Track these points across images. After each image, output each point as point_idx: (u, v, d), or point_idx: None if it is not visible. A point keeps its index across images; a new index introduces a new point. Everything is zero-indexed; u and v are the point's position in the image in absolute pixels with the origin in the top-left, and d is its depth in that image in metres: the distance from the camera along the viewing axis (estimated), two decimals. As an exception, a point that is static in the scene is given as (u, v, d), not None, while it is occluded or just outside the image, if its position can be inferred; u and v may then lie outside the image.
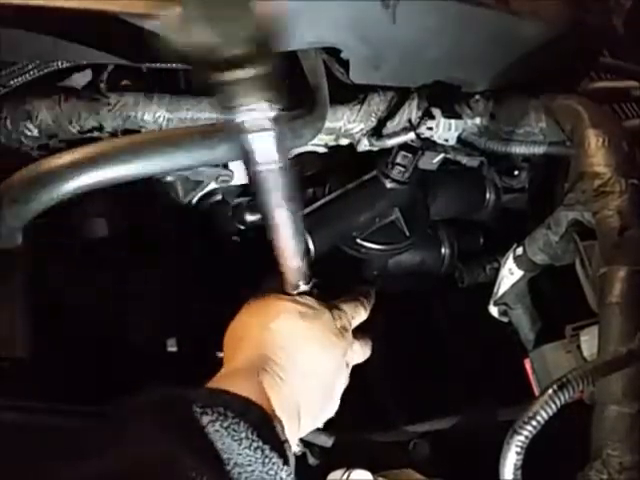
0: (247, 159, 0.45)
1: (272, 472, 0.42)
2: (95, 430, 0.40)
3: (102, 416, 0.42)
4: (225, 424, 0.42)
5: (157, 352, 0.82)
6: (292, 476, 0.44)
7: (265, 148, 0.44)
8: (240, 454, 0.41)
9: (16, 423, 0.39)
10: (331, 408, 0.61)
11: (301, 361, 0.56)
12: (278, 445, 0.45)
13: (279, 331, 0.56)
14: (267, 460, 0.42)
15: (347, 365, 0.62)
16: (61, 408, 0.43)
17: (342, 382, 0.61)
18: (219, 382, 0.50)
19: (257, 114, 0.42)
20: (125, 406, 0.42)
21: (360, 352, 0.65)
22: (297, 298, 0.59)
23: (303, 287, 0.59)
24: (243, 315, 0.59)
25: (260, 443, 0.42)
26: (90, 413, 0.43)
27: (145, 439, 0.39)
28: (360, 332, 0.65)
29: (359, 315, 0.65)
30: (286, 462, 0.44)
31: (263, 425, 0.45)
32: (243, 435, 0.42)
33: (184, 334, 0.83)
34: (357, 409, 0.64)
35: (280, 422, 0.49)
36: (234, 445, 0.41)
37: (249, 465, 0.42)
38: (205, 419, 0.42)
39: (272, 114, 0.42)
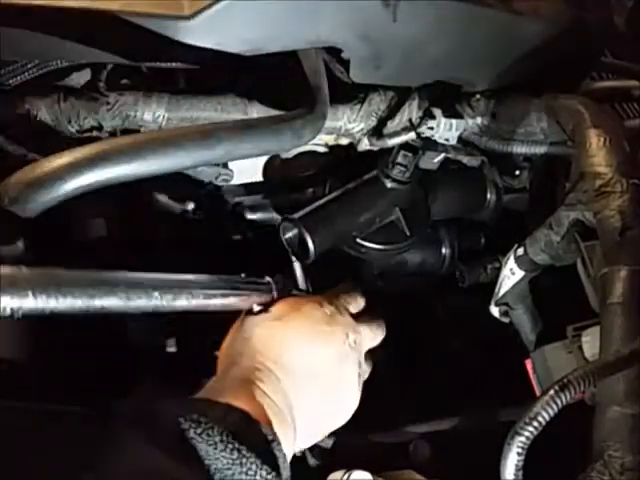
0: None
1: (251, 472, 0.42)
2: (85, 445, 0.39)
3: (95, 421, 0.42)
4: (199, 430, 0.42)
5: (157, 352, 0.81)
6: (274, 474, 0.44)
7: None
8: (218, 458, 0.42)
9: (14, 425, 0.39)
10: (343, 403, 0.60)
11: (288, 360, 0.55)
12: (260, 444, 0.45)
13: (258, 338, 0.56)
14: (244, 460, 0.42)
15: (351, 348, 0.59)
16: (59, 410, 0.43)
17: (351, 371, 0.59)
18: (205, 393, 0.51)
19: None
20: (111, 419, 0.42)
21: (371, 335, 0.63)
22: (269, 308, 0.59)
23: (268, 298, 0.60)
24: (228, 338, 0.60)
25: (236, 444, 0.42)
26: (87, 416, 0.43)
27: (135, 454, 0.39)
28: (368, 314, 0.64)
29: (354, 299, 0.64)
30: (266, 462, 0.44)
31: (242, 427, 0.45)
32: (217, 439, 0.42)
33: (184, 334, 0.82)
34: (357, 410, 0.64)
35: (270, 423, 0.49)
36: (210, 450, 0.42)
37: (228, 469, 0.42)
38: (183, 427, 0.42)
39: None
